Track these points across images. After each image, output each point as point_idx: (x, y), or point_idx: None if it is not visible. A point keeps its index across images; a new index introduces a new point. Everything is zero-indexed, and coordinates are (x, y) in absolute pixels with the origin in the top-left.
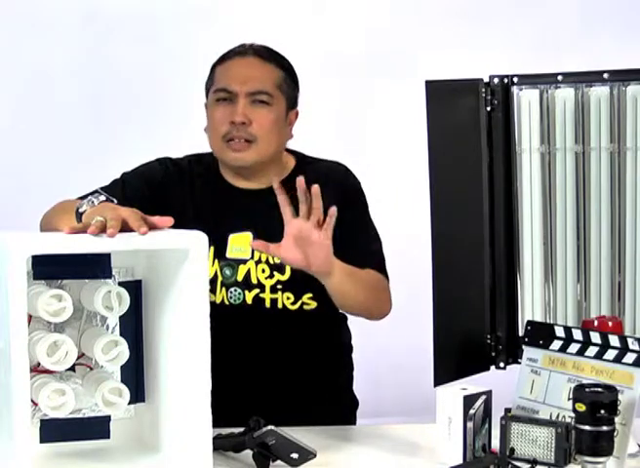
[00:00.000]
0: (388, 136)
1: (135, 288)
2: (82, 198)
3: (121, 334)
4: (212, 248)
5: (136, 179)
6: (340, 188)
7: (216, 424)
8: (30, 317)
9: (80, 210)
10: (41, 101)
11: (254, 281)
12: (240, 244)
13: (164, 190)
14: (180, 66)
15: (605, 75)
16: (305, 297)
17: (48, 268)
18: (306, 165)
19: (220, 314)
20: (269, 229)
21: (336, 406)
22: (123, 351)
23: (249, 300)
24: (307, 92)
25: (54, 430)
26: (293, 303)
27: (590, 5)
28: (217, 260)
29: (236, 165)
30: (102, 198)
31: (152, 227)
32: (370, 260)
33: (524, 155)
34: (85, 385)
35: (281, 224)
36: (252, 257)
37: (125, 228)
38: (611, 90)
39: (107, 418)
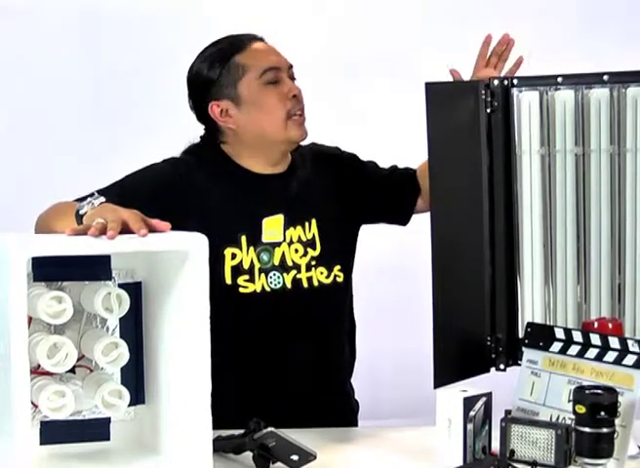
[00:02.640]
0: (388, 136)
1: (135, 289)
2: (79, 200)
3: (121, 336)
4: (244, 236)
5: (135, 183)
6: (344, 156)
7: (216, 426)
8: (30, 319)
9: (81, 212)
10: (40, 102)
11: (289, 263)
12: (272, 227)
13: (173, 192)
14: (180, 67)
15: (605, 77)
16: (336, 269)
17: (48, 270)
18: (299, 148)
19: (258, 301)
20: (298, 210)
21: (340, 407)
22: (123, 353)
23: (288, 283)
24: (307, 92)
25: (54, 432)
26: (327, 277)
27: (589, 7)
28: (251, 247)
29: (298, 139)
30: (102, 199)
31: (152, 230)
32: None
33: (524, 157)
34: (85, 387)
35: (307, 204)
36: (284, 240)
37: (125, 230)
38: (611, 92)
39: (107, 420)
